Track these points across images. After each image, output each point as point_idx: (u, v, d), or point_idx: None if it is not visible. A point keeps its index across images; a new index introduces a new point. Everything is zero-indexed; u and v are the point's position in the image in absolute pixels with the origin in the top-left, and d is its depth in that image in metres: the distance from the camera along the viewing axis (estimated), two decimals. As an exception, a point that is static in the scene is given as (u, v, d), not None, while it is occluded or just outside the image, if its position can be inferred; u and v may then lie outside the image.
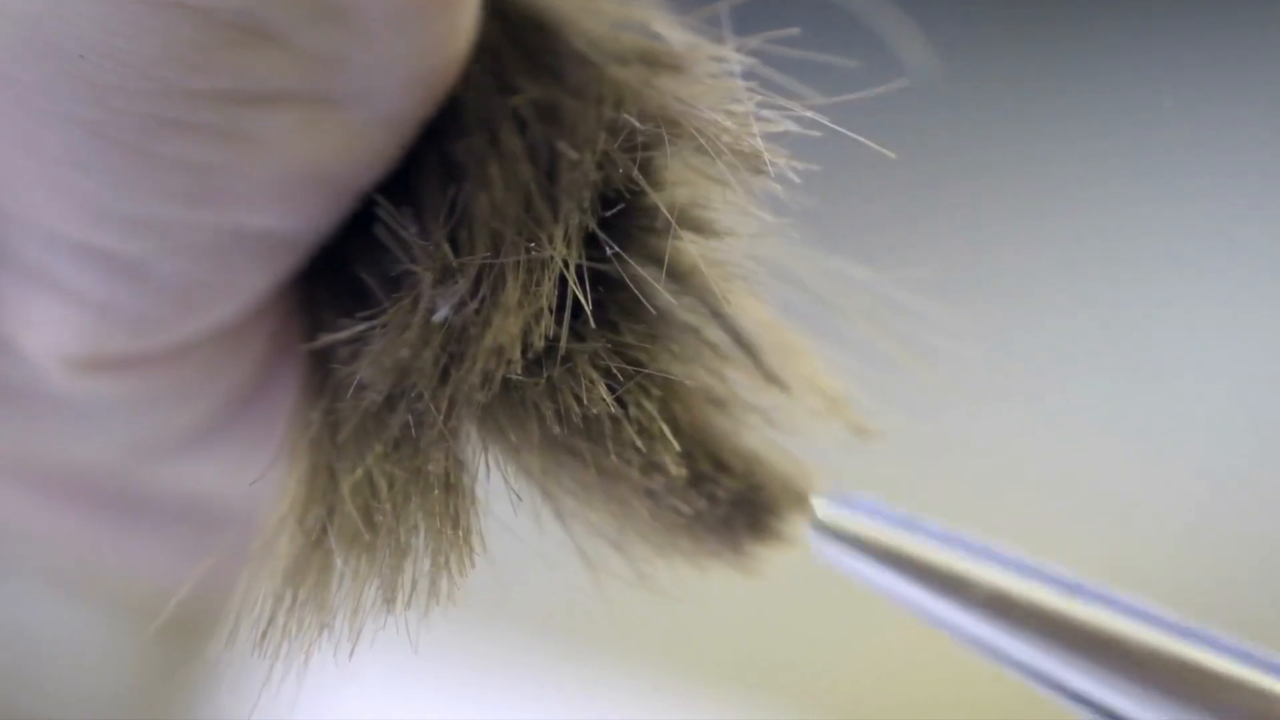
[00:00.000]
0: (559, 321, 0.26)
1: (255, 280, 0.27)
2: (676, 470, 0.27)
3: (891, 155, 0.26)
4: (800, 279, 0.28)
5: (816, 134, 0.26)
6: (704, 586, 0.29)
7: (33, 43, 0.23)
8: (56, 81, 0.24)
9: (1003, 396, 1.01)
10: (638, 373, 0.26)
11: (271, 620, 0.26)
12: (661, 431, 0.26)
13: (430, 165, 0.27)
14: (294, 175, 0.26)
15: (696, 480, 0.27)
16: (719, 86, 0.26)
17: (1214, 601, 0.89)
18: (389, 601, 0.26)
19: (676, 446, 0.26)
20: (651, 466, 0.27)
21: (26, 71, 0.24)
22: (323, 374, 0.27)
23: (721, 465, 0.27)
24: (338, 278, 0.28)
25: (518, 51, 0.27)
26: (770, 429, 0.28)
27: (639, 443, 0.26)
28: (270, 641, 0.26)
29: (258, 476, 0.27)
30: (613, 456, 0.26)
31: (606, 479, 0.27)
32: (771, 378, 0.28)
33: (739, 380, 0.28)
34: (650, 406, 0.26)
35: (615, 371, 0.26)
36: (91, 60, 0.23)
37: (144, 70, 0.24)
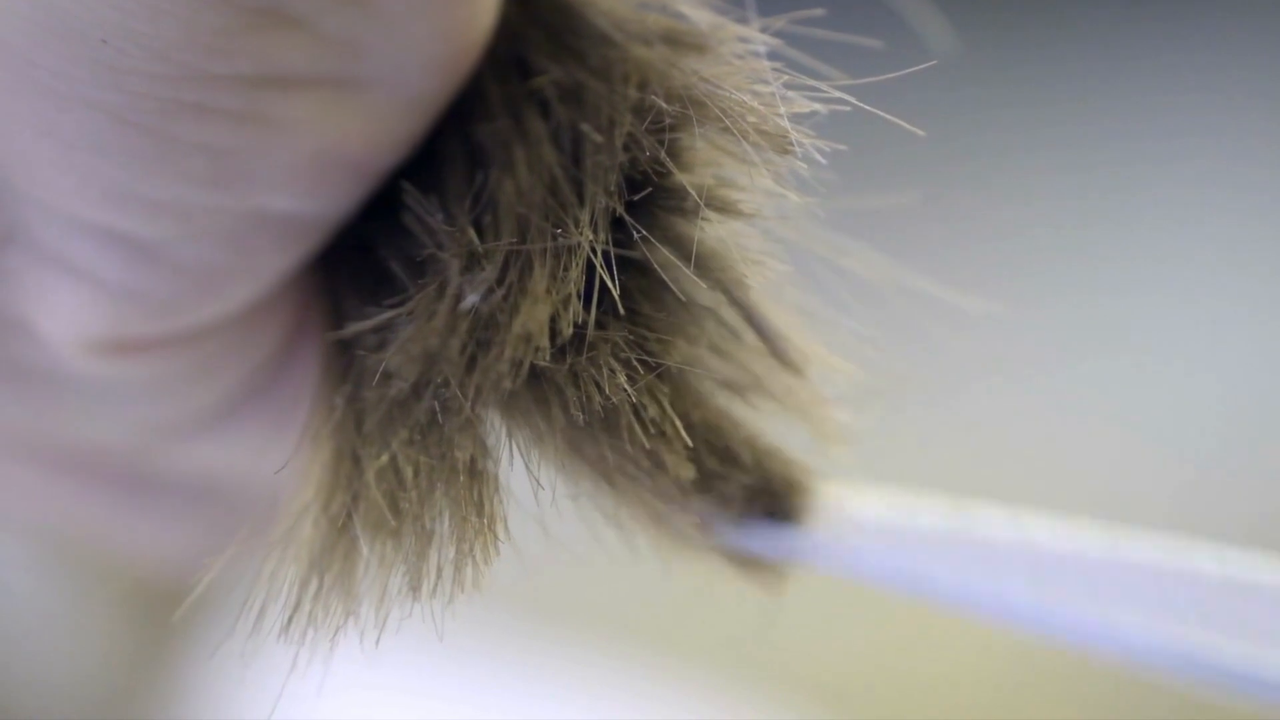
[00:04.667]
0: (586, 308, 0.25)
1: (275, 263, 0.27)
2: (685, 474, 0.26)
3: (921, 133, 0.26)
4: (823, 257, 0.28)
5: (845, 109, 0.25)
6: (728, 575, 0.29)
7: (53, 28, 0.23)
8: (76, 66, 0.24)
9: (1026, 372, 1.01)
10: (658, 365, 0.26)
11: (298, 606, 0.26)
12: (674, 427, 0.26)
13: (454, 150, 0.27)
14: (315, 159, 0.25)
15: (706, 479, 0.27)
16: (744, 67, 0.26)
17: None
18: (414, 589, 0.26)
19: (688, 441, 0.26)
20: (661, 467, 0.26)
21: (46, 56, 0.24)
22: (346, 359, 0.27)
23: (731, 459, 0.27)
24: (359, 261, 0.28)
25: (540, 33, 0.27)
26: (782, 417, 0.28)
27: (647, 442, 0.26)
28: (296, 627, 0.26)
29: (281, 463, 0.27)
30: (630, 448, 0.26)
31: (625, 471, 0.27)
32: (787, 362, 0.28)
33: (754, 365, 0.28)
34: (663, 399, 0.26)
35: (635, 362, 0.26)
36: (112, 45, 0.23)
37: (164, 54, 0.23)
